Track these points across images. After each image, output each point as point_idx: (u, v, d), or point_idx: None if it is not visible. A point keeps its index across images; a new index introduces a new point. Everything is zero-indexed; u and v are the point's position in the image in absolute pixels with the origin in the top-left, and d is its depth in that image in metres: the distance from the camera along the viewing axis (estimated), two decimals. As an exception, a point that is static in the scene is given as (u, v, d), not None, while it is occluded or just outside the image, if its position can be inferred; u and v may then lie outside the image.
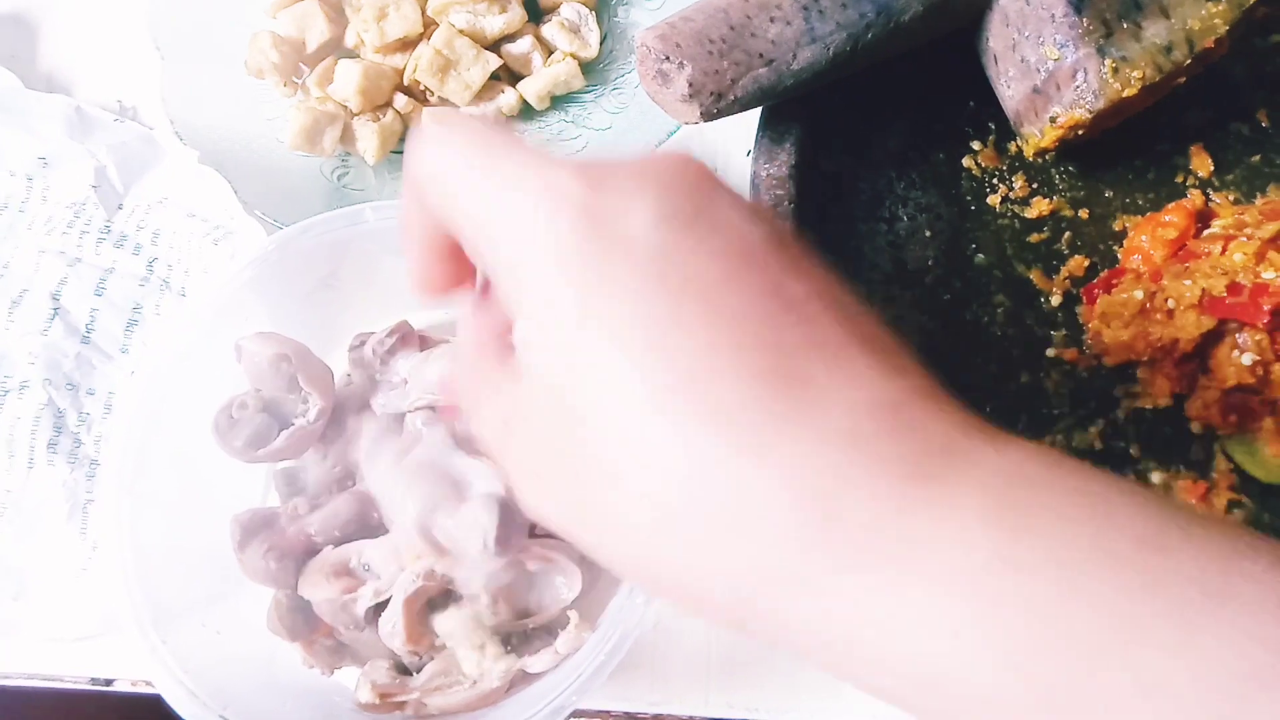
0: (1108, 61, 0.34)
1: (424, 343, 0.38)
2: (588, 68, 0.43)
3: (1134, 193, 0.40)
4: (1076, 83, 0.34)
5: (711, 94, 0.33)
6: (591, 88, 0.43)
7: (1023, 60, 0.35)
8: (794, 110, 0.37)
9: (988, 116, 0.40)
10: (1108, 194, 0.40)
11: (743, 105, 0.34)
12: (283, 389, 0.35)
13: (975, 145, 0.40)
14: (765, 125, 0.37)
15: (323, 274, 0.37)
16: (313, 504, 0.37)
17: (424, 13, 0.42)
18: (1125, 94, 0.34)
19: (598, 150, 0.42)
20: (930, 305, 0.38)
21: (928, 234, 0.39)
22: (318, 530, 0.36)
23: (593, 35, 0.43)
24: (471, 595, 0.34)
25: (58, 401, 0.40)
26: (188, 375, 0.36)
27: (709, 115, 0.34)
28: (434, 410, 0.37)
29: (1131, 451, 0.37)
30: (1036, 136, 0.37)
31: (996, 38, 0.36)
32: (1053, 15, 0.34)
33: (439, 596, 0.35)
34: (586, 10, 0.43)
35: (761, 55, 0.33)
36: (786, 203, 0.36)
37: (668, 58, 0.33)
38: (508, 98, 0.42)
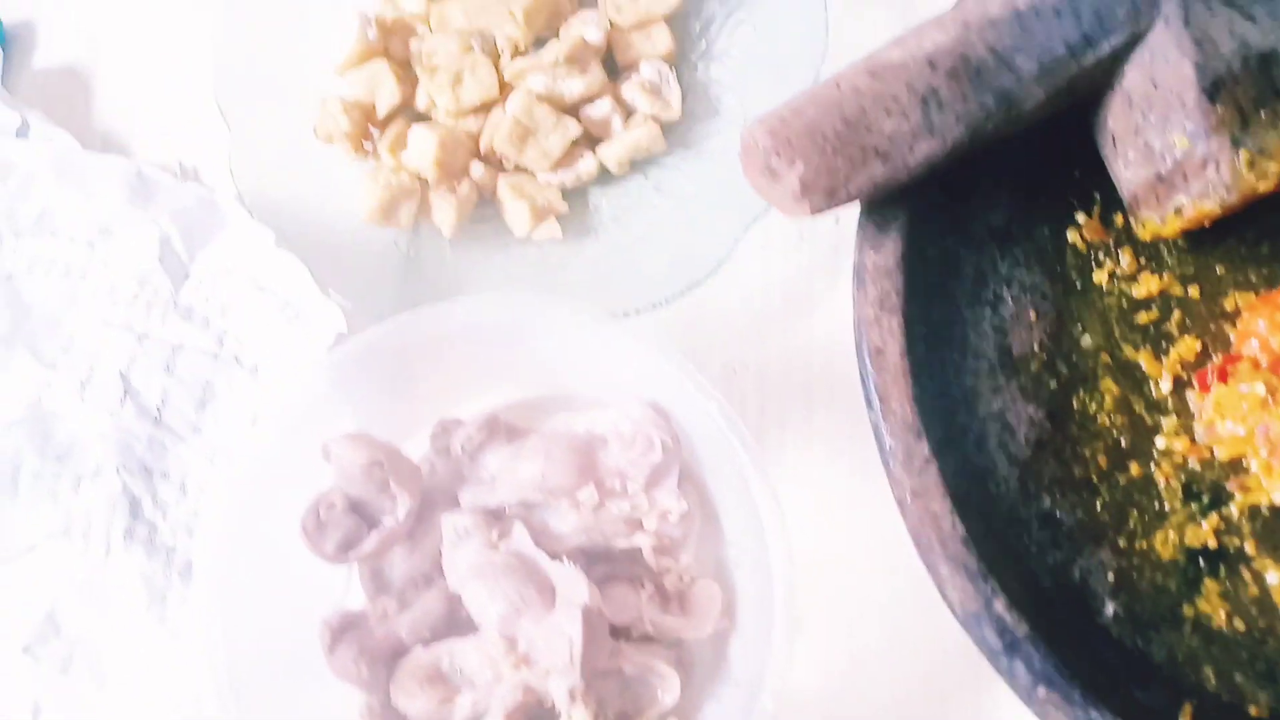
0: (1243, 153, 0.32)
1: (512, 433, 0.37)
2: (668, 128, 0.42)
3: (1246, 267, 0.38)
4: (1207, 174, 0.32)
5: (824, 191, 0.32)
6: (673, 151, 0.42)
7: (1146, 145, 0.34)
8: (898, 191, 0.35)
9: (1092, 185, 0.38)
10: (1218, 270, 0.38)
11: (854, 200, 0.33)
12: (373, 491, 0.34)
13: (1080, 217, 0.38)
14: (869, 210, 0.35)
15: (408, 369, 0.36)
16: (401, 601, 0.36)
17: (500, 74, 0.40)
18: (1261, 188, 0.32)
19: (681, 221, 0.40)
20: (1037, 393, 0.37)
21: (1033, 315, 0.37)
22: (408, 632, 0.35)
23: (674, 95, 0.41)
24: (565, 704, 0.33)
25: (132, 488, 0.39)
26: (271, 469, 0.35)
27: (818, 210, 0.32)
28: (525, 506, 0.36)
29: (1247, 549, 0.35)
30: (1156, 223, 0.35)
31: (1117, 119, 0.34)
32: (1183, 100, 0.32)
33: (537, 709, 0.34)
34: (667, 69, 0.41)
35: (877, 150, 0.32)
36: (894, 295, 0.34)
37: (778, 153, 0.32)
38: (587, 164, 0.41)
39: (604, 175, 0.42)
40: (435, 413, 0.39)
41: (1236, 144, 0.32)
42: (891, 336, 0.34)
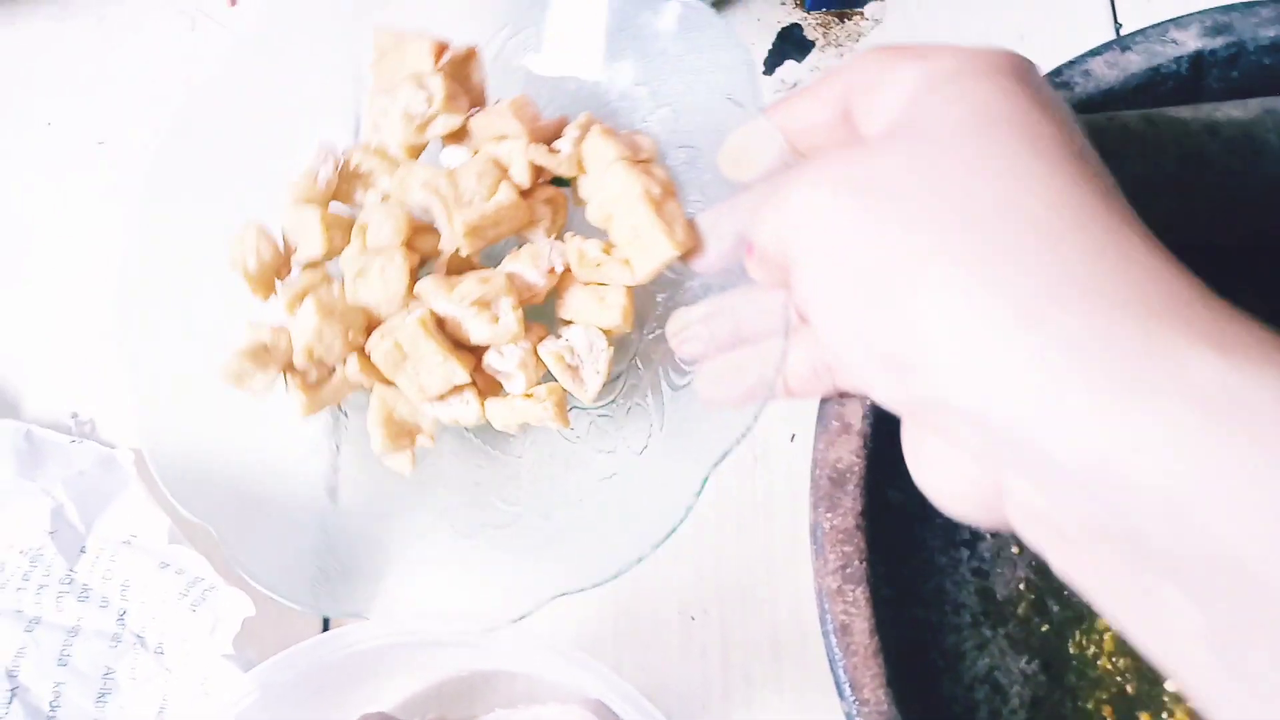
0: None
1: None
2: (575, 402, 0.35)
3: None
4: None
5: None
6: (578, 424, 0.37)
7: None
8: (851, 440, 0.31)
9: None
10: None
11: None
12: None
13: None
14: (820, 460, 0.31)
15: (326, 672, 0.32)
16: None
17: (413, 279, 0.34)
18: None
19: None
20: (1028, 641, 0.33)
21: (1015, 549, 0.34)
22: None
23: (594, 380, 0.34)
24: None
25: (21, 811, 0.35)
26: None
27: None
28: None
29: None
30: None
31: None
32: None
33: None
34: (603, 345, 0.34)
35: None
36: (857, 560, 0.30)
37: None
38: (468, 409, 0.34)
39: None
40: (355, 704, 0.35)
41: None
42: (858, 610, 0.30)
